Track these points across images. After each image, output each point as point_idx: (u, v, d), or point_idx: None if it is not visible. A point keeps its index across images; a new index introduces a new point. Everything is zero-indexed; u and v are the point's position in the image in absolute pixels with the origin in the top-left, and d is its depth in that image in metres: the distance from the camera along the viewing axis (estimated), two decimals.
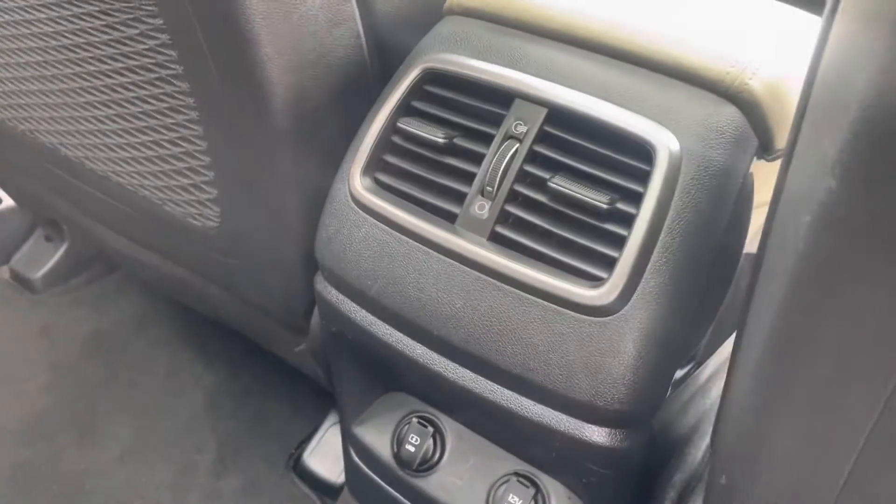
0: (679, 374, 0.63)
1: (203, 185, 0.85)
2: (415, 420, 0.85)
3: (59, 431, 1.28)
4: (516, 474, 0.80)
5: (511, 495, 0.79)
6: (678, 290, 0.58)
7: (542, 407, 0.63)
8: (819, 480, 0.44)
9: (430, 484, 0.84)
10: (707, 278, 0.60)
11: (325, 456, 1.24)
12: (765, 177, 0.63)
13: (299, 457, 1.26)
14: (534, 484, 0.79)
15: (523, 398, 0.64)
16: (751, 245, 0.66)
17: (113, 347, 1.41)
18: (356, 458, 0.93)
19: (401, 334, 0.69)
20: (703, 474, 0.86)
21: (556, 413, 0.62)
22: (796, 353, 0.42)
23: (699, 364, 0.70)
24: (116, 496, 1.20)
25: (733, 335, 0.74)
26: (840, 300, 0.37)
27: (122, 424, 1.29)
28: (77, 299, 1.50)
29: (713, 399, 0.75)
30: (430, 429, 0.84)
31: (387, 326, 0.69)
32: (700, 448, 0.80)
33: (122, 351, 1.41)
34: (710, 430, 0.81)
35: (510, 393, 0.64)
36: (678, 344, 0.60)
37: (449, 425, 0.86)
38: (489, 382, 0.65)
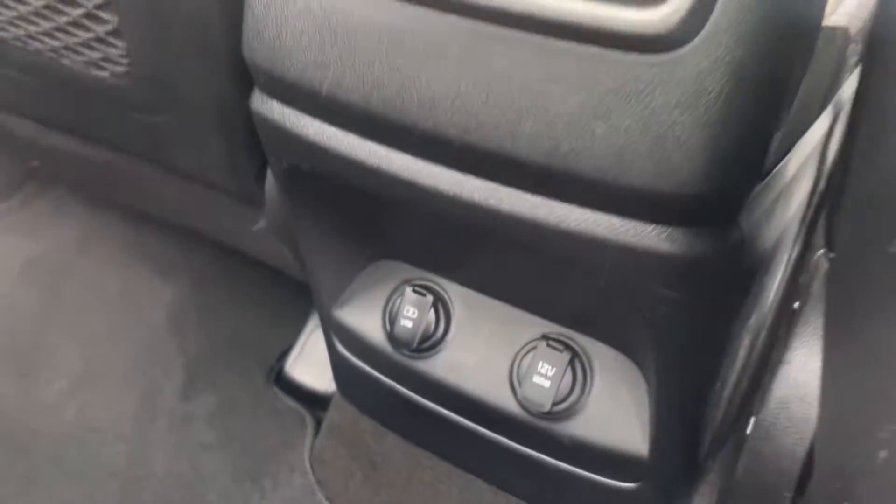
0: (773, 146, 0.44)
1: (97, 13, 0.65)
2: (409, 289, 0.67)
3: None
4: (545, 338, 0.62)
5: (541, 364, 0.61)
6: (767, 10, 0.38)
7: (583, 210, 0.44)
8: None
9: (435, 365, 0.67)
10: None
11: (310, 363, 1.08)
12: None
13: (281, 368, 1.09)
14: (568, 347, 0.61)
15: (554, 202, 0.44)
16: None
17: (54, 272, 1.21)
18: (342, 349, 0.76)
19: (372, 144, 0.49)
20: (779, 320, 0.69)
21: (605, 216, 0.43)
22: None
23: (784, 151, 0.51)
24: (69, 433, 1.02)
25: (812, 126, 0.56)
26: None
27: (70, 355, 1.11)
28: (10, 225, 1.30)
29: (797, 205, 0.57)
30: (430, 297, 0.66)
31: (351, 136, 0.50)
32: (775, 278, 0.62)
33: (66, 275, 1.21)
34: (791, 253, 0.63)
35: (535, 198, 0.45)
36: (775, 87, 0.41)
37: (453, 291, 0.68)
38: (503, 188, 0.46)
